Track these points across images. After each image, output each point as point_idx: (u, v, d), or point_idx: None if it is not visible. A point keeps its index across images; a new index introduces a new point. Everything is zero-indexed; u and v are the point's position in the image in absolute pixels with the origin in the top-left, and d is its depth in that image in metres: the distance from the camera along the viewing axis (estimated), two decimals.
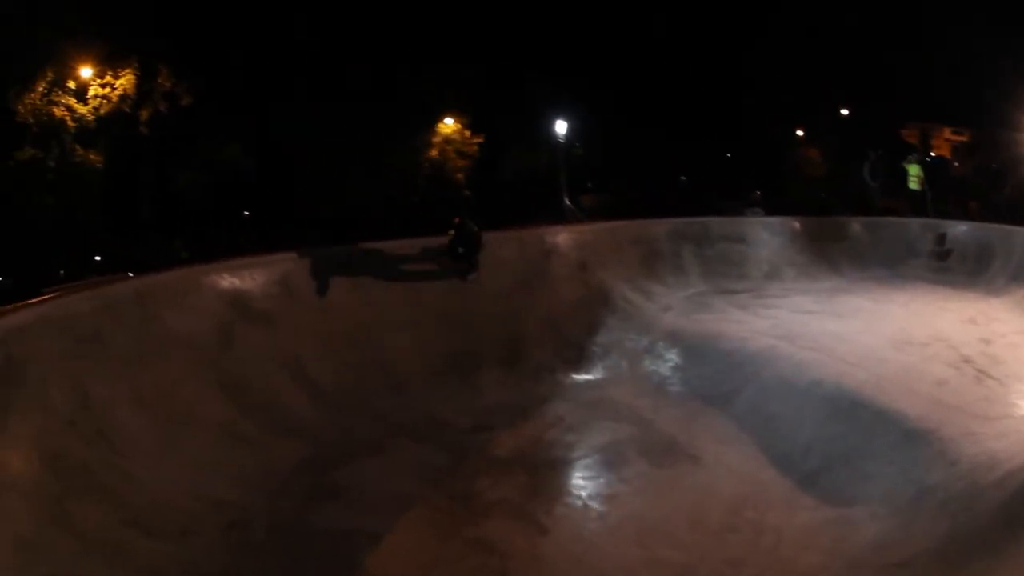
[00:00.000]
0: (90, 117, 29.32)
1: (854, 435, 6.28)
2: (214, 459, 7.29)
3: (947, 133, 38.62)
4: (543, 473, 7.14)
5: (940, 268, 14.01)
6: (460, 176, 41.47)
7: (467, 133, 41.40)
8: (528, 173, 42.81)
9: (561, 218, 24.06)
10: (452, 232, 11.51)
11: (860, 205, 18.75)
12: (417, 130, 39.09)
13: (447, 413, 9.19)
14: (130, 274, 12.62)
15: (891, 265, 14.41)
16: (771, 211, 19.25)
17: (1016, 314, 10.36)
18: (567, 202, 28.36)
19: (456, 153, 41.24)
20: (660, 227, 14.88)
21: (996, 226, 14.12)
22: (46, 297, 8.24)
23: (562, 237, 13.49)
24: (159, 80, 30.62)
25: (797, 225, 15.53)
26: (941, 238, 14.56)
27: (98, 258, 33.52)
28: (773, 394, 7.80)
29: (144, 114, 30.62)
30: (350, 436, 8.38)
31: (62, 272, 30.64)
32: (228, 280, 10.10)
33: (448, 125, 41.14)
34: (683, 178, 46.26)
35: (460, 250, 11.52)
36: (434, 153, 40.75)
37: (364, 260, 11.71)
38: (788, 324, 10.30)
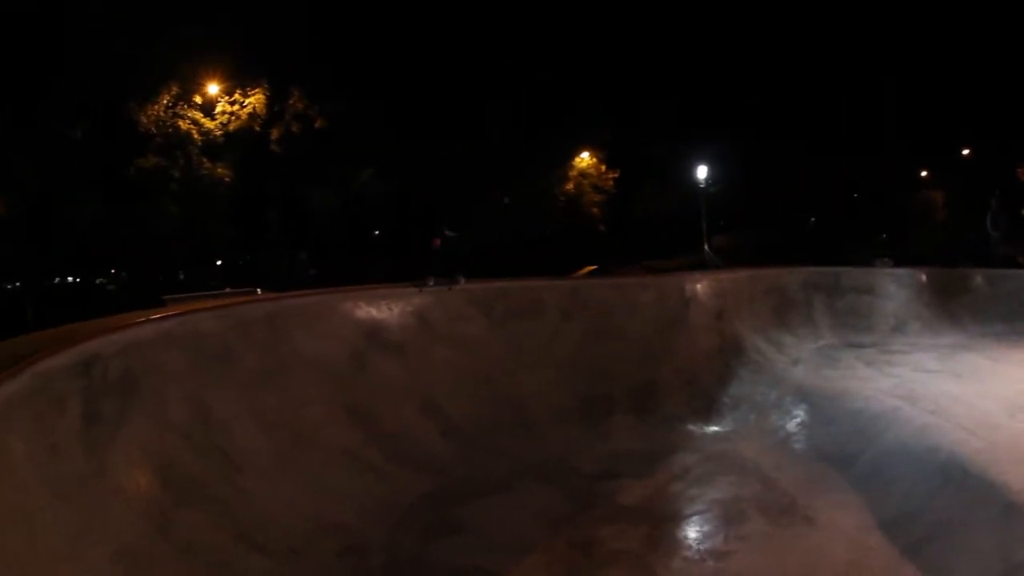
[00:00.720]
0: (218, 132, 29.47)
1: (961, 505, 6.32)
2: (334, 483, 7.51)
3: None
4: (666, 525, 7.25)
5: None
6: (596, 211, 41.51)
7: (603, 168, 41.39)
8: (663, 211, 42.68)
9: (699, 262, 24.15)
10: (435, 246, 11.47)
11: (981, 254, 18.41)
12: (554, 164, 39.34)
13: (575, 457, 9.36)
14: (258, 290, 12.99)
15: (1010, 320, 14.25)
16: (898, 260, 19.04)
17: None
18: (707, 248, 28.35)
19: (591, 187, 41.30)
20: (794, 276, 15.07)
21: None
22: (171, 312, 8.39)
23: (701, 286, 13.58)
24: (291, 102, 30.70)
25: (924, 277, 15.48)
26: None
27: (219, 262, 34.20)
28: (891, 459, 7.85)
29: (275, 133, 30.72)
30: (476, 473, 8.60)
31: (182, 275, 31.53)
32: (364, 309, 10.46)
33: (584, 159, 41.31)
34: (812, 219, 45.43)
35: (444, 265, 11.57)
36: (570, 187, 40.98)
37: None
38: (911, 384, 10.36)
